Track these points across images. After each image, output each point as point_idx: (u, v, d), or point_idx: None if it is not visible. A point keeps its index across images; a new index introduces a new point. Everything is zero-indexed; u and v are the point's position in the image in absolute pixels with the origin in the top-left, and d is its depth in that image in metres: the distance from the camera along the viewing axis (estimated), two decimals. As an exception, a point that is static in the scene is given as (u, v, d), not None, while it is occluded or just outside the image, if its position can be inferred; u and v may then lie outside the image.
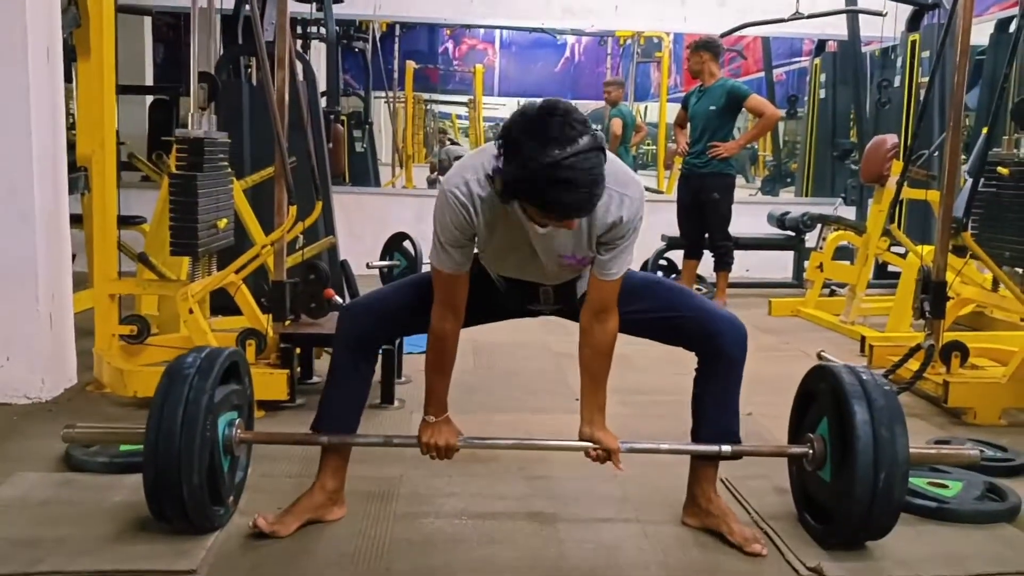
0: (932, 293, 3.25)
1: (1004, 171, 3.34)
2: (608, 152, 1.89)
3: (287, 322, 3.18)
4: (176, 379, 1.93)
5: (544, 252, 1.92)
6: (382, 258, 5.61)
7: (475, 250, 1.95)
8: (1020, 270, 3.40)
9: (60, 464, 2.43)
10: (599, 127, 8.87)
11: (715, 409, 2.11)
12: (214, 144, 3.12)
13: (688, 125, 5.48)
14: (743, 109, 5.39)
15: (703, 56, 5.26)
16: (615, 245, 1.89)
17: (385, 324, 2.14)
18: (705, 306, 2.11)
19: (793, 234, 6.06)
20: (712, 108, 5.24)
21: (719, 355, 2.07)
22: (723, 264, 5.41)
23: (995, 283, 3.62)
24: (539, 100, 1.69)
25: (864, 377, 2.02)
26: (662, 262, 6.01)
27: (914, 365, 3.28)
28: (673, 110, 6.45)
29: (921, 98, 5.49)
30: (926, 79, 5.61)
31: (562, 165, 1.60)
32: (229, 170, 3.32)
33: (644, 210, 1.91)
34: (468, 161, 1.90)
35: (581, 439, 2.04)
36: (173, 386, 1.92)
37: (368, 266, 5.44)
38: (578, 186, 1.63)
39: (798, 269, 6.13)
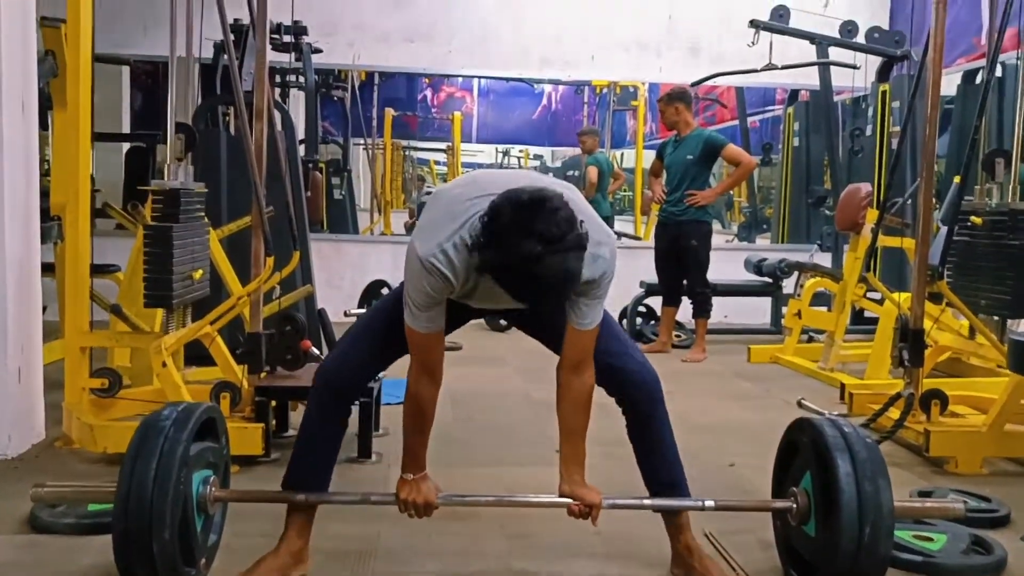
0: (910, 341, 3.26)
1: (977, 220, 3.38)
2: (586, 207, 1.90)
3: (262, 374, 3.12)
4: (151, 431, 1.89)
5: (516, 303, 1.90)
6: (360, 305, 5.59)
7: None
8: (996, 318, 3.44)
9: (25, 526, 2.34)
10: (575, 173, 8.96)
11: (652, 462, 2.13)
12: (190, 195, 3.10)
13: (663, 174, 5.54)
14: (719, 158, 5.46)
15: (678, 107, 5.35)
16: (589, 295, 1.89)
17: (359, 379, 2.12)
18: (626, 350, 2.10)
19: (770, 280, 6.10)
20: (689, 157, 5.31)
21: (634, 405, 2.09)
22: (702, 311, 5.43)
23: (971, 331, 3.65)
24: (529, 189, 1.68)
25: (846, 430, 2.01)
26: (641, 309, 6.03)
27: (894, 414, 3.28)
28: (649, 157, 6.53)
29: (893, 147, 5.62)
30: (897, 128, 5.73)
31: (540, 262, 1.62)
32: (205, 220, 3.29)
33: (616, 260, 1.91)
34: (438, 223, 1.84)
35: (561, 495, 2.00)
36: (147, 438, 1.87)
37: (346, 314, 5.38)
38: (551, 285, 1.65)
39: (776, 315, 6.15)
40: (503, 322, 6.29)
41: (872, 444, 1.99)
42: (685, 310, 5.61)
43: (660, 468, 2.12)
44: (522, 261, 1.62)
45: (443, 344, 1.94)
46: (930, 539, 2.30)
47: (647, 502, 2.10)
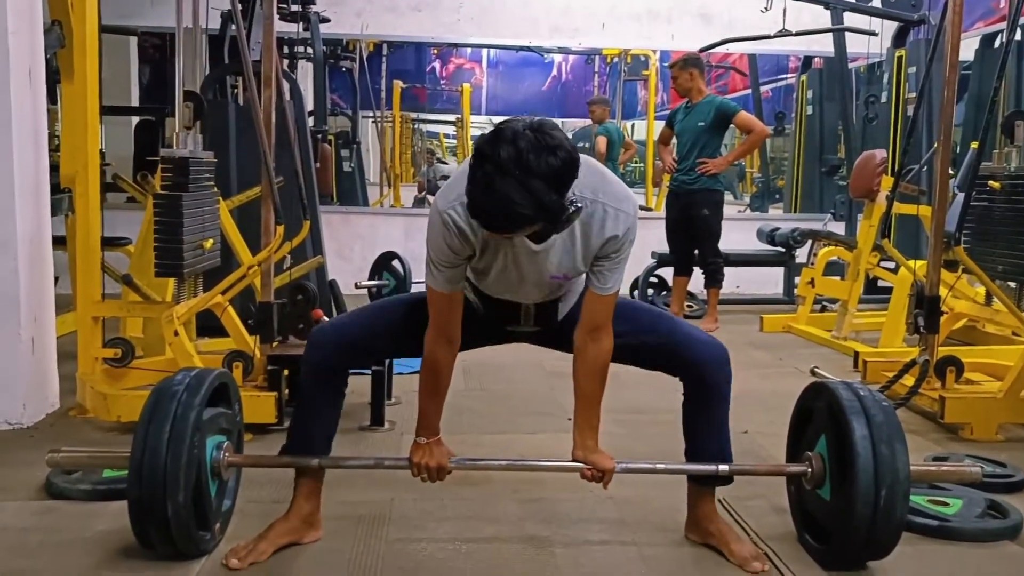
0: (926, 308, 3.23)
1: (996, 185, 3.33)
2: (606, 171, 1.87)
3: (275, 343, 3.12)
4: (164, 397, 1.89)
5: (534, 270, 1.88)
6: (371, 277, 5.58)
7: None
8: (1013, 284, 3.40)
9: (41, 492, 2.36)
10: (586, 145, 8.88)
11: (705, 436, 2.08)
12: (200, 164, 3.08)
13: (672, 142, 5.48)
14: (731, 126, 5.40)
15: (692, 73, 5.27)
16: (611, 259, 1.86)
17: (348, 352, 2.06)
18: (686, 331, 2.06)
19: (783, 250, 6.05)
20: (701, 124, 5.24)
21: (701, 382, 2.04)
22: (714, 281, 5.40)
23: (988, 297, 3.61)
24: (538, 119, 1.65)
25: (862, 393, 1.99)
26: (652, 279, 6.00)
27: (909, 381, 3.26)
28: (660, 127, 6.46)
29: (908, 113, 5.54)
30: (913, 94, 5.64)
31: (487, 186, 1.58)
32: (215, 190, 3.28)
33: (636, 228, 1.87)
34: (460, 180, 1.81)
35: (574, 459, 1.99)
36: (161, 403, 1.87)
37: (357, 286, 5.40)
38: (488, 202, 1.59)
39: (789, 285, 6.11)
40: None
41: (888, 407, 1.97)
42: (697, 280, 5.58)
43: (713, 442, 2.06)
44: (489, 159, 1.58)
45: (461, 309, 1.92)
46: (945, 504, 2.28)
47: (660, 466, 2.10)
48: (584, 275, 1.94)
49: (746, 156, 5.66)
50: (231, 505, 2.13)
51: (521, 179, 1.56)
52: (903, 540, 1.94)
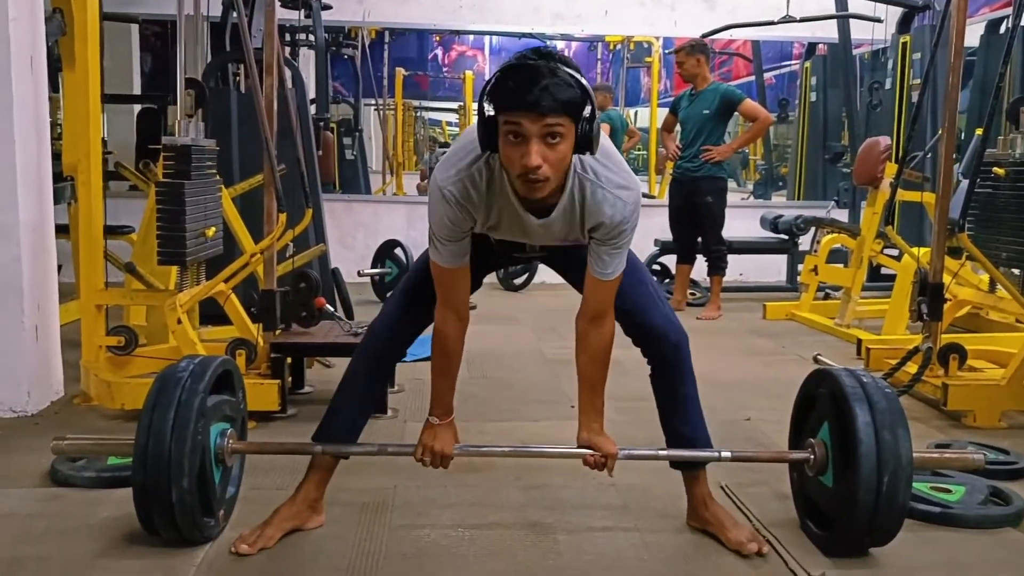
0: (929, 295, 3.22)
1: (1000, 172, 3.32)
2: (613, 151, 1.86)
3: (277, 332, 3.13)
4: (168, 384, 1.90)
5: (540, 235, 1.89)
6: (373, 266, 5.59)
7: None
8: (1017, 271, 3.39)
9: (45, 479, 2.37)
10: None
11: (670, 416, 2.10)
12: (202, 151, 3.08)
13: (676, 130, 5.46)
14: (736, 113, 5.38)
15: (699, 59, 5.25)
16: (611, 243, 1.85)
17: (406, 343, 2.11)
18: (652, 300, 2.06)
19: (786, 238, 6.04)
20: (705, 112, 5.22)
21: (659, 359, 2.06)
22: (717, 268, 5.39)
23: (992, 284, 3.60)
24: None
25: (864, 380, 1.99)
26: (655, 267, 5.99)
27: (912, 368, 3.26)
28: (664, 115, 6.43)
29: (913, 100, 5.51)
30: (917, 81, 5.61)
31: (522, 65, 1.63)
32: (217, 177, 3.27)
33: (639, 213, 1.86)
34: (458, 155, 1.82)
35: (579, 445, 1.99)
36: (165, 390, 1.88)
37: (359, 274, 5.41)
38: (526, 75, 1.61)
39: (792, 273, 6.11)
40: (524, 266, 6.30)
41: (891, 394, 1.97)
42: (700, 268, 5.57)
43: (682, 424, 2.09)
44: (516, 59, 1.64)
45: (468, 280, 1.92)
46: (948, 490, 2.29)
47: (663, 453, 2.09)
48: None
49: (750, 144, 5.63)
50: (235, 492, 2.13)
51: (554, 66, 1.61)
52: (905, 526, 1.94)
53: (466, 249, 1.86)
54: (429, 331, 2.02)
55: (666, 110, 5.93)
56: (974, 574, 1.93)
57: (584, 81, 1.65)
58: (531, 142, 1.62)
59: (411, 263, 4.86)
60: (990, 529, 2.14)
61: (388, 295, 2.23)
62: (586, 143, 1.67)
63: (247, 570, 1.89)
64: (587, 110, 1.65)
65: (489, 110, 1.66)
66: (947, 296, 3.33)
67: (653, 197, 8.15)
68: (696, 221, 5.35)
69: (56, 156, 3.32)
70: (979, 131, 3.75)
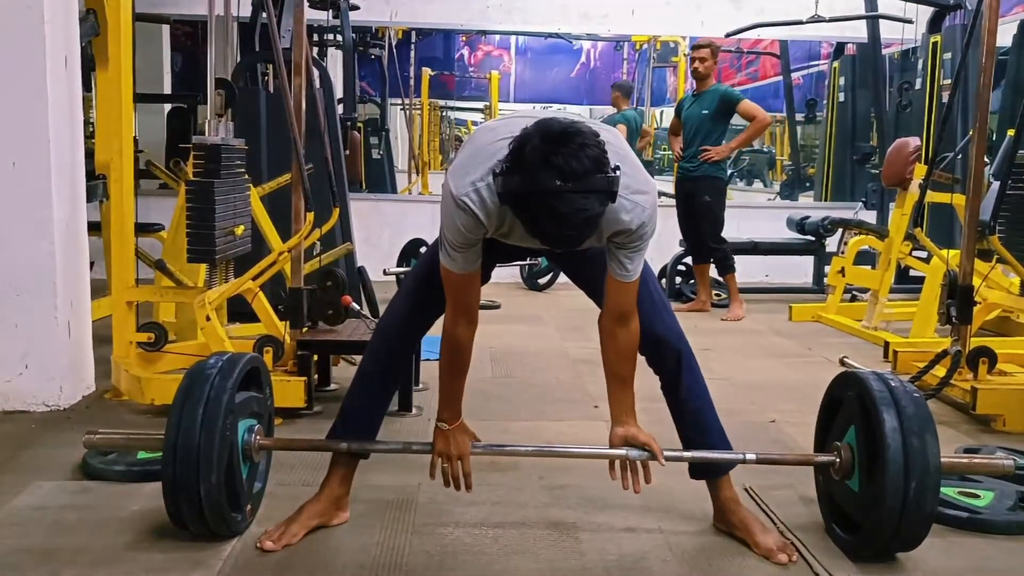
0: (958, 298, 3.19)
1: (1032, 173, 3.27)
2: (628, 154, 1.85)
3: (304, 329, 3.16)
4: (197, 380, 1.93)
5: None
6: (399, 264, 5.62)
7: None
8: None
9: (77, 472, 2.42)
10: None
11: (680, 423, 2.12)
12: (231, 150, 3.12)
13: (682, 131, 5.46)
14: (735, 113, 5.33)
15: (715, 61, 5.25)
16: (630, 247, 1.85)
17: (416, 339, 2.16)
18: (656, 308, 2.06)
19: (813, 239, 6.00)
20: (705, 112, 5.23)
21: (660, 366, 2.08)
22: (725, 268, 5.40)
23: (1023, 287, 3.55)
24: (563, 121, 1.63)
25: (892, 384, 1.97)
26: (680, 267, 5.97)
27: (940, 371, 3.22)
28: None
29: (943, 100, 5.44)
30: (948, 81, 5.54)
31: (560, 197, 1.56)
32: (246, 176, 3.31)
33: (657, 216, 1.86)
34: (473, 161, 1.80)
35: (614, 442, 1.98)
36: (194, 386, 1.91)
37: (385, 272, 5.43)
38: (566, 223, 1.59)
39: (818, 274, 6.06)
40: (539, 270, 6.30)
41: (919, 399, 1.95)
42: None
43: (697, 434, 2.10)
44: (540, 193, 1.57)
45: (479, 285, 1.93)
46: (976, 495, 2.26)
47: (687, 454, 2.09)
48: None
49: (747, 144, 5.55)
50: (262, 487, 2.16)
51: (576, 188, 1.57)
52: (933, 531, 1.93)
53: (477, 255, 1.86)
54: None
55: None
56: (1002, 580, 1.91)
57: (610, 170, 1.61)
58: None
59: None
60: (1019, 535, 2.12)
61: (395, 293, 2.24)
62: (612, 198, 1.65)
63: (272, 565, 1.91)
64: (613, 189, 1.63)
65: (514, 212, 1.67)
66: (977, 299, 3.29)
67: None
68: (696, 220, 5.35)
69: (88, 154, 3.37)
70: (1011, 132, 3.70)
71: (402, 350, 2.17)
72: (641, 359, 2.05)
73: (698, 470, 2.15)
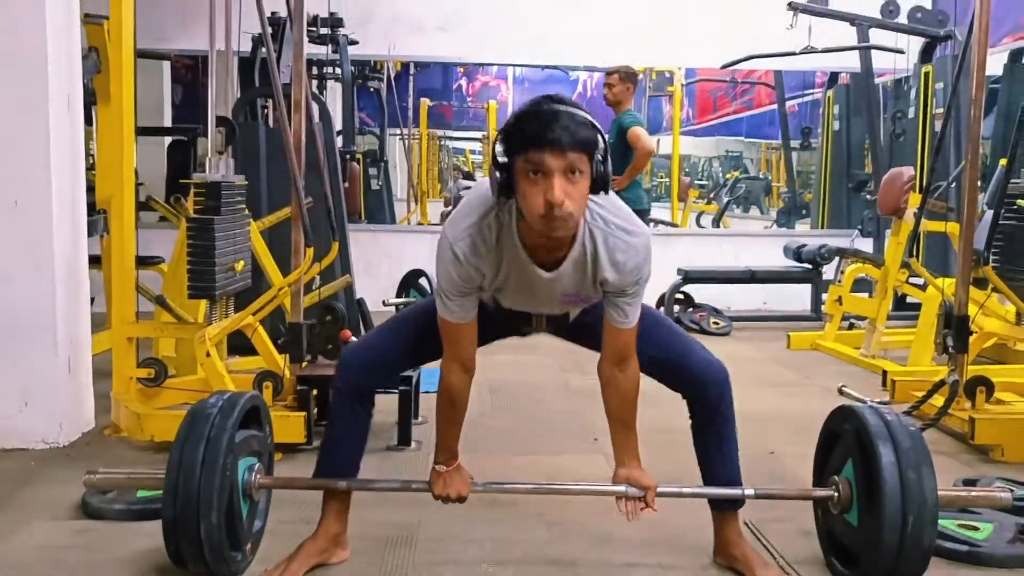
0: (955, 327, 3.20)
1: (1024, 203, 3.31)
2: (612, 196, 1.88)
3: (304, 363, 3.17)
4: (198, 419, 1.94)
5: (547, 292, 1.90)
6: (398, 295, 5.63)
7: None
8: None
9: (77, 511, 2.42)
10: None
11: (715, 460, 2.10)
12: (231, 188, 3.15)
13: None
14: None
15: (628, 87, 5.05)
16: (627, 294, 1.87)
17: (379, 372, 2.12)
18: (691, 351, 2.07)
19: (810, 267, 6.03)
20: (612, 142, 5.15)
21: (702, 402, 2.07)
22: None
23: (1019, 316, 3.57)
24: None
25: (889, 418, 1.98)
26: (678, 296, 5.99)
27: (938, 401, 3.23)
28: (686, 143, 6.45)
29: (936, 129, 5.50)
30: (940, 110, 5.60)
31: (547, 105, 1.68)
32: (246, 212, 3.34)
33: (651, 259, 1.88)
34: (469, 208, 1.86)
35: (617, 481, 1.99)
36: (195, 425, 1.92)
37: (384, 304, 5.44)
38: (555, 120, 1.65)
39: (816, 302, 6.08)
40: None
41: (916, 432, 1.96)
42: (723, 296, 5.56)
43: (721, 467, 2.09)
44: (529, 106, 1.70)
45: (475, 335, 1.94)
46: (975, 528, 2.27)
47: (687, 490, 2.09)
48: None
49: (636, 174, 5.18)
50: (262, 526, 2.16)
51: (570, 110, 1.67)
52: (932, 565, 1.93)
53: (474, 304, 1.89)
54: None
55: (689, 139, 5.95)
56: (1002, 616, 1.91)
57: (597, 124, 1.70)
58: (554, 177, 1.65)
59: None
60: (1019, 569, 2.12)
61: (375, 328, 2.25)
62: (602, 183, 1.71)
63: (273, 604, 1.91)
64: (600, 149, 1.70)
65: (503, 157, 1.70)
66: (973, 328, 3.30)
67: (676, 225, 8.17)
68: None
69: (89, 188, 3.40)
70: (1003, 162, 3.74)
71: (366, 381, 2.10)
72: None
73: (716, 502, 2.14)
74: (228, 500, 1.91)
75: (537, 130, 1.65)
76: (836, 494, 2.02)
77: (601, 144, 1.69)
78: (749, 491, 2.05)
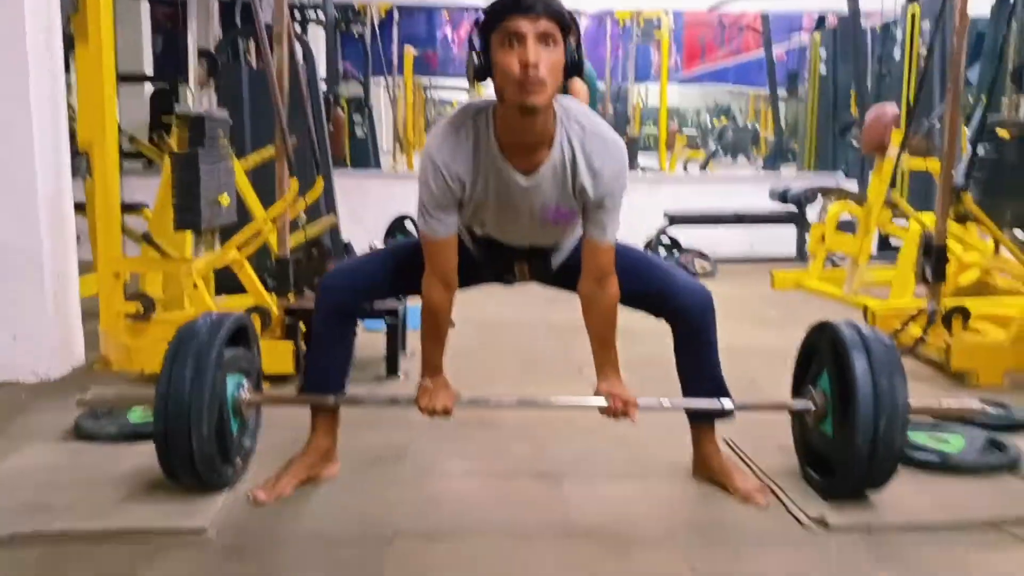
0: (933, 257, 3.26)
1: (1005, 134, 3.34)
2: (593, 112, 1.92)
3: (291, 297, 3.19)
4: (186, 337, 1.97)
5: (529, 207, 1.92)
6: (384, 240, 5.66)
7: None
8: (1021, 233, 3.41)
9: (69, 436, 2.45)
10: (598, 109, 8.85)
11: (698, 376, 2.15)
12: (215, 121, 3.14)
13: None
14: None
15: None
16: (604, 207, 1.90)
17: (360, 293, 2.15)
18: (673, 279, 2.11)
19: (795, 209, 6.07)
20: None
21: (687, 327, 2.11)
22: None
23: (996, 246, 3.63)
24: None
25: (864, 331, 2.03)
26: (664, 240, 6.03)
27: (917, 330, 3.29)
28: (674, 94, 6.44)
29: (921, 67, 5.50)
30: (927, 50, 5.60)
31: None
32: (230, 148, 3.33)
33: (627, 171, 1.92)
34: (441, 122, 1.91)
35: (598, 395, 2.03)
36: (183, 343, 1.96)
37: (371, 248, 5.45)
38: None
39: (801, 243, 6.13)
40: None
41: (889, 343, 2.01)
42: (710, 241, 5.59)
43: (701, 382, 2.14)
44: None
45: (455, 251, 1.97)
46: (947, 441, 2.34)
47: (666, 403, 2.14)
48: (576, 228, 2.01)
49: None
50: (252, 444, 2.21)
51: None
52: (905, 473, 2.00)
53: (454, 221, 1.92)
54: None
55: (677, 86, 5.94)
56: (967, 513, 1.98)
57: (571, 13, 1.75)
58: (528, 41, 1.69)
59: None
60: (986, 475, 2.19)
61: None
62: (576, 66, 1.75)
63: (265, 515, 1.96)
64: (573, 32, 1.75)
65: (479, 38, 1.75)
66: (951, 258, 3.35)
67: (663, 171, 8.17)
68: None
69: (71, 136, 3.38)
70: (983, 97, 3.76)
71: (346, 309, 2.13)
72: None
73: (696, 417, 2.20)
74: (218, 414, 1.95)
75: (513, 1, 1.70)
76: (812, 405, 2.08)
77: (574, 29, 1.74)
78: (728, 403, 2.10)
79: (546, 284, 2.22)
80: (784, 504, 2.03)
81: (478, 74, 1.77)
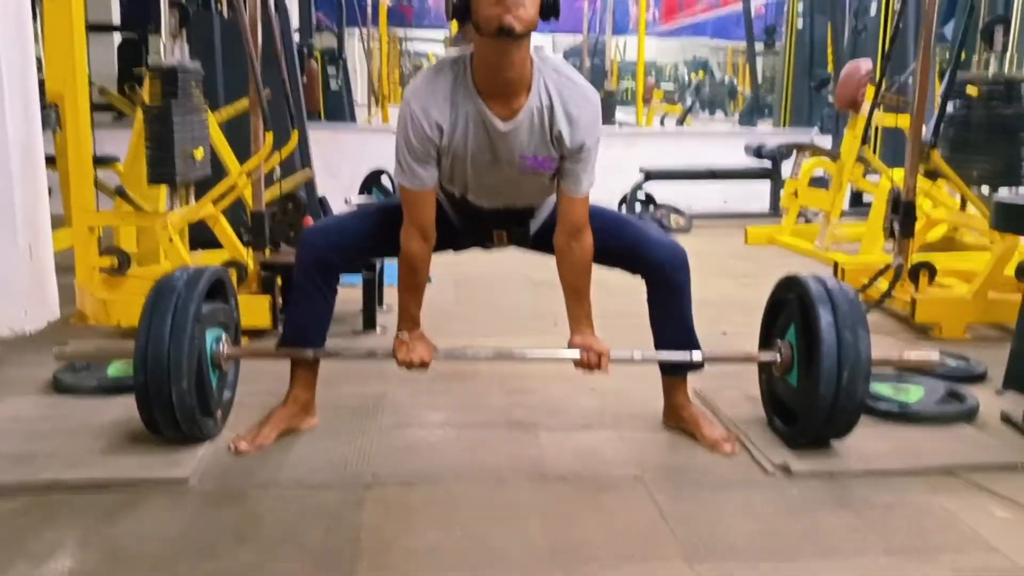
0: (901, 212, 3.32)
1: (973, 91, 3.38)
2: (569, 68, 1.94)
3: (267, 251, 3.20)
4: (164, 290, 1.98)
5: (507, 155, 1.93)
6: (360, 194, 5.62)
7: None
8: (987, 191, 3.48)
9: (48, 388, 2.47)
10: (575, 63, 8.80)
11: (670, 329, 2.20)
12: (187, 73, 3.10)
13: None
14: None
15: None
16: (578, 159, 1.93)
17: (342, 251, 2.15)
18: (647, 235, 2.15)
19: (770, 164, 6.11)
20: None
21: (662, 282, 2.15)
22: None
23: (963, 202, 3.70)
24: None
25: (830, 285, 2.09)
26: (640, 196, 6.06)
27: (884, 285, 3.37)
28: (652, 45, 6.41)
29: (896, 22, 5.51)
30: (900, 4, 5.60)
31: None
32: (203, 100, 3.30)
33: (600, 121, 1.95)
34: (424, 77, 1.93)
35: (572, 347, 2.07)
36: (161, 296, 1.97)
37: (346, 202, 5.44)
38: None
39: (775, 199, 6.19)
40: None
41: (854, 298, 2.07)
42: (685, 197, 5.62)
43: (672, 334, 2.18)
44: None
45: (434, 206, 1.99)
46: (907, 391, 2.42)
47: (638, 355, 2.19)
48: (551, 191, 2.04)
49: None
50: (231, 396, 2.24)
51: None
52: (866, 423, 2.07)
53: (433, 173, 1.94)
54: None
55: (655, 39, 5.92)
56: (924, 459, 2.06)
57: None
58: None
59: (397, 192, 4.91)
60: (945, 424, 2.28)
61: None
62: (552, 7, 1.77)
63: (246, 465, 2.00)
64: None
65: None
66: (920, 215, 3.42)
67: (640, 126, 8.17)
68: None
69: (39, 86, 3.32)
70: (953, 51, 3.79)
71: (327, 264, 2.13)
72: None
73: (667, 368, 2.25)
74: (197, 367, 1.97)
75: None
76: (779, 356, 2.14)
77: None
78: (697, 355, 2.16)
79: (525, 248, 2.24)
80: (750, 452, 2.11)
81: (457, 9, 1.76)
